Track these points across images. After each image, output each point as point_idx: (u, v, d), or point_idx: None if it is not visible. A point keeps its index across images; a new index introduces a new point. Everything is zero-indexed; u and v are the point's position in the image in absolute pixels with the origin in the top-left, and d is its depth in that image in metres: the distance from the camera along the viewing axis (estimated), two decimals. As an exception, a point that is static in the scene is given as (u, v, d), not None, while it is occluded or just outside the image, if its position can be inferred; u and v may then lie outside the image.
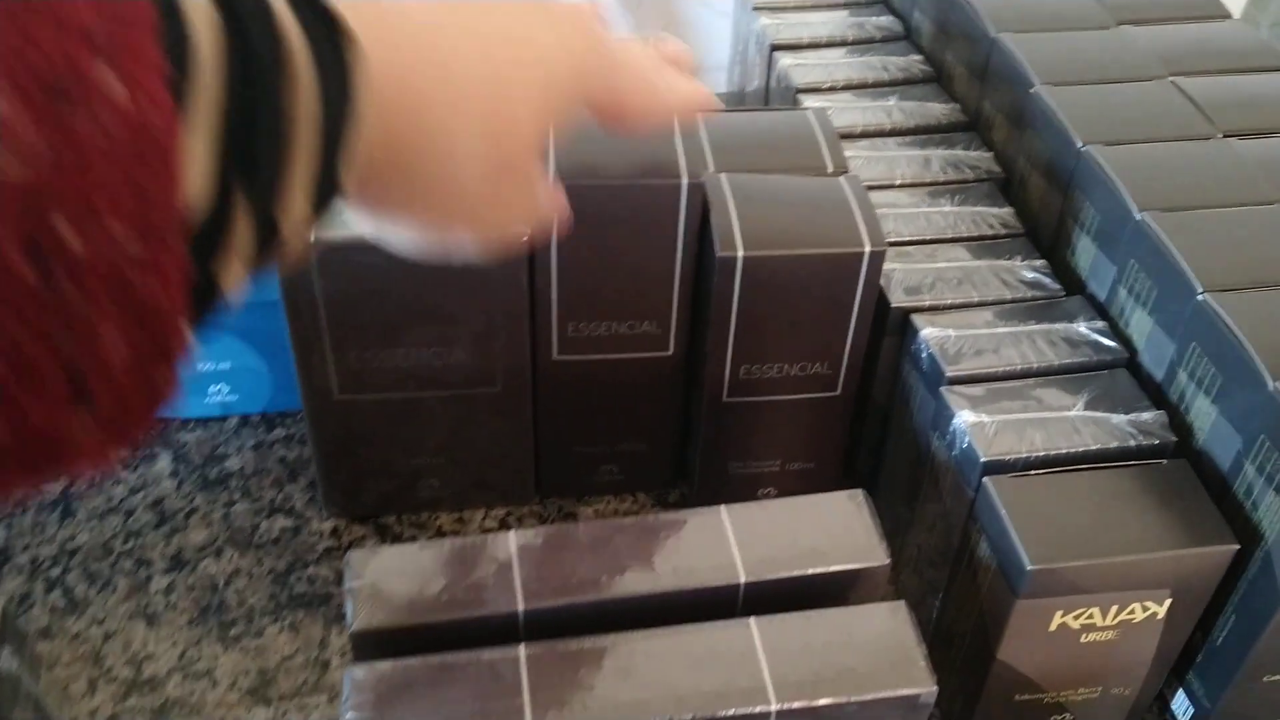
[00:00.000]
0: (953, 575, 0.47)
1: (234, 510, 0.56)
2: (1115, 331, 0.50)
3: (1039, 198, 0.55)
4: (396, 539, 0.55)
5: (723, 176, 0.49)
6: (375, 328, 0.48)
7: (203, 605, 0.52)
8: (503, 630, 0.40)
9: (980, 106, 0.60)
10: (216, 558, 0.54)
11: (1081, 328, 0.50)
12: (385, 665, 0.38)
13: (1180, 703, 0.48)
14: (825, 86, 0.61)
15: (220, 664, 0.50)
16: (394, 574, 0.40)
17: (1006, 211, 0.55)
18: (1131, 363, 0.49)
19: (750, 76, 0.70)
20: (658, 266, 0.48)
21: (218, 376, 0.59)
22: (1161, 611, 0.44)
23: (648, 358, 0.52)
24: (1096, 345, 0.49)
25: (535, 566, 0.40)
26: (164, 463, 0.58)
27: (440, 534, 0.56)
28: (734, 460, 0.54)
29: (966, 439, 0.45)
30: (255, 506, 0.56)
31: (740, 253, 0.46)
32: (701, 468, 0.54)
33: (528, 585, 0.40)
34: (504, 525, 0.56)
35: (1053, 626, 0.43)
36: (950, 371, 0.47)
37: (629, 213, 0.46)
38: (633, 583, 0.40)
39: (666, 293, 0.49)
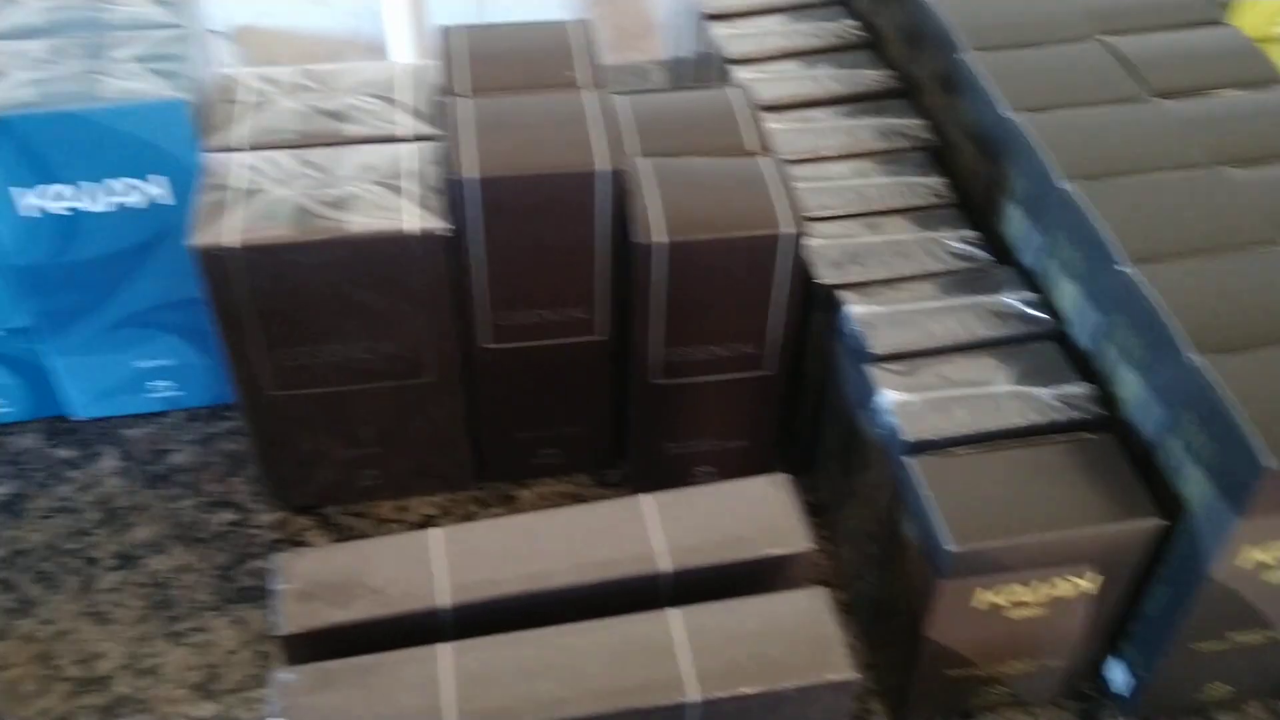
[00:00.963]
0: (884, 552, 0.48)
1: (179, 505, 0.56)
2: (1045, 303, 0.50)
3: (969, 166, 0.55)
4: (339, 529, 0.56)
5: (641, 160, 0.49)
6: (304, 325, 0.48)
7: (151, 601, 0.52)
8: (427, 628, 0.40)
9: (911, 72, 0.60)
10: (162, 554, 0.54)
11: (1011, 299, 0.50)
12: (310, 668, 0.38)
13: (1115, 672, 0.49)
14: (756, 57, 0.61)
15: (167, 660, 0.50)
16: (320, 575, 0.40)
17: (939, 181, 0.55)
18: (1061, 334, 0.49)
19: (681, 45, 0.69)
20: (581, 253, 0.48)
21: (160, 373, 0.59)
22: (1089, 586, 0.44)
23: (578, 342, 0.52)
24: (1025, 317, 0.49)
25: (460, 563, 0.41)
26: (110, 460, 0.58)
27: (381, 522, 0.56)
28: (668, 441, 0.54)
29: (890, 417, 0.45)
30: (200, 501, 0.57)
31: (658, 239, 0.46)
32: (636, 448, 0.55)
33: (453, 582, 0.40)
34: (444, 512, 0.57)
35: (979, 604, 0.43)
36: (875, 349, 0.47)
37: (550, 201, 0.46)
38: (556, 576, 0.41)
39: (591, 279, 0.49)
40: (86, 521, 0.56)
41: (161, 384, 0.59)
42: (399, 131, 0.51)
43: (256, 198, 0.47)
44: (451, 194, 0.46)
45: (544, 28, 0.53)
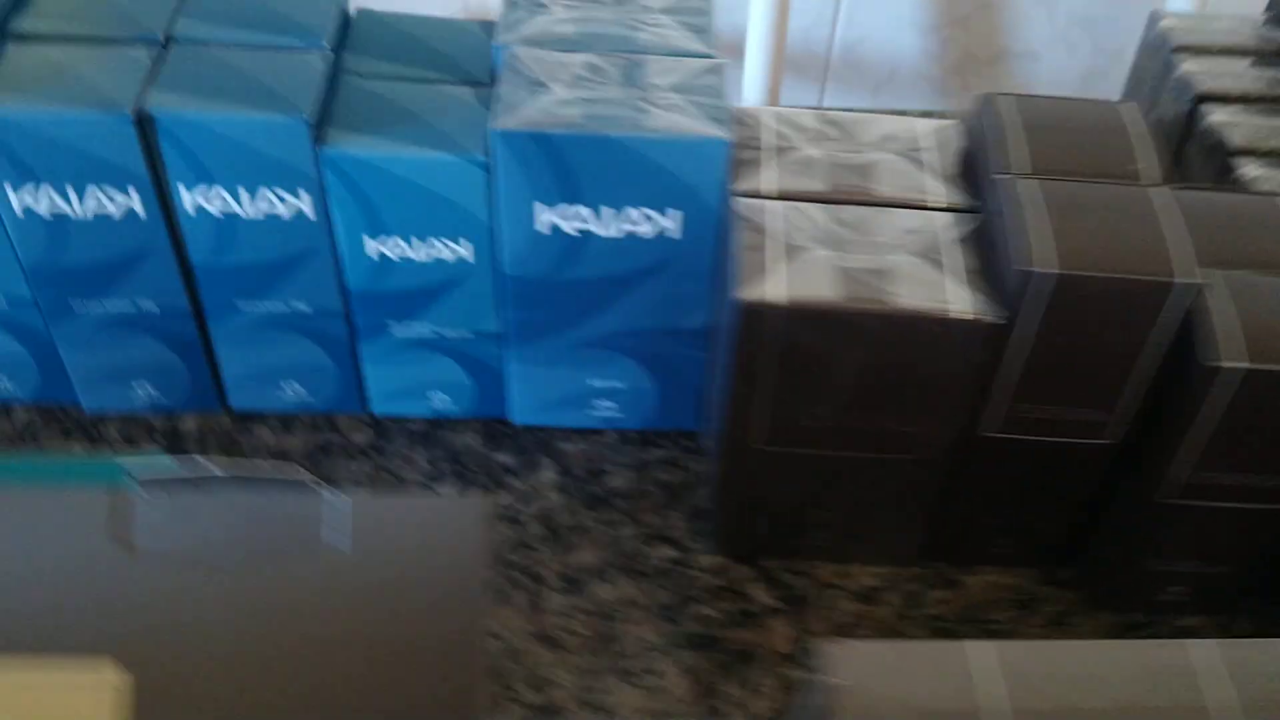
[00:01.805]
0: None
1: (620, 534, 0.56)
2: None
3: None
4: (780, 585, 0.54)
5: (1215, 273, 0.45)
6: (816, 387, 0.47)
7: (599, 633, 0.52)
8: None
9: None
10: (607, 583, 0.54)
11: None
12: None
13: None
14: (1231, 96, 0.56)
15: (620, 700, 0.50)
16: (873, 674, 0.39)
17: None
18: None
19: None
20: (1125, 358, 0.45)
21: (607, 393, 0.58)
22: None
23: (1083, 444, 0.48)
24: None
25: (1020, 684, 0.38)
26: (549, 473, 0.58)
27: (823, 586, 0.54)
28: (1153, 557, 0.51)
29: None
30: (640, 532, 0.56)
31: (1237, 363, 0.42)
32: (1113, 559, 0.51)
33: (1015, 705, 0.38)
34: (887, 584, 0.54)
35: None
36: None
37: (1118, 306, 0.43)
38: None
39: (1123, 384, 0.46)
40: (530, 535, 0.56)
41: (605, 403, 0.59)
42: (930, 199, 0.49)
43: (799, 255, 0.45)
44: (1011, 282, 0.44)
45: (1095, 106, 0.50)
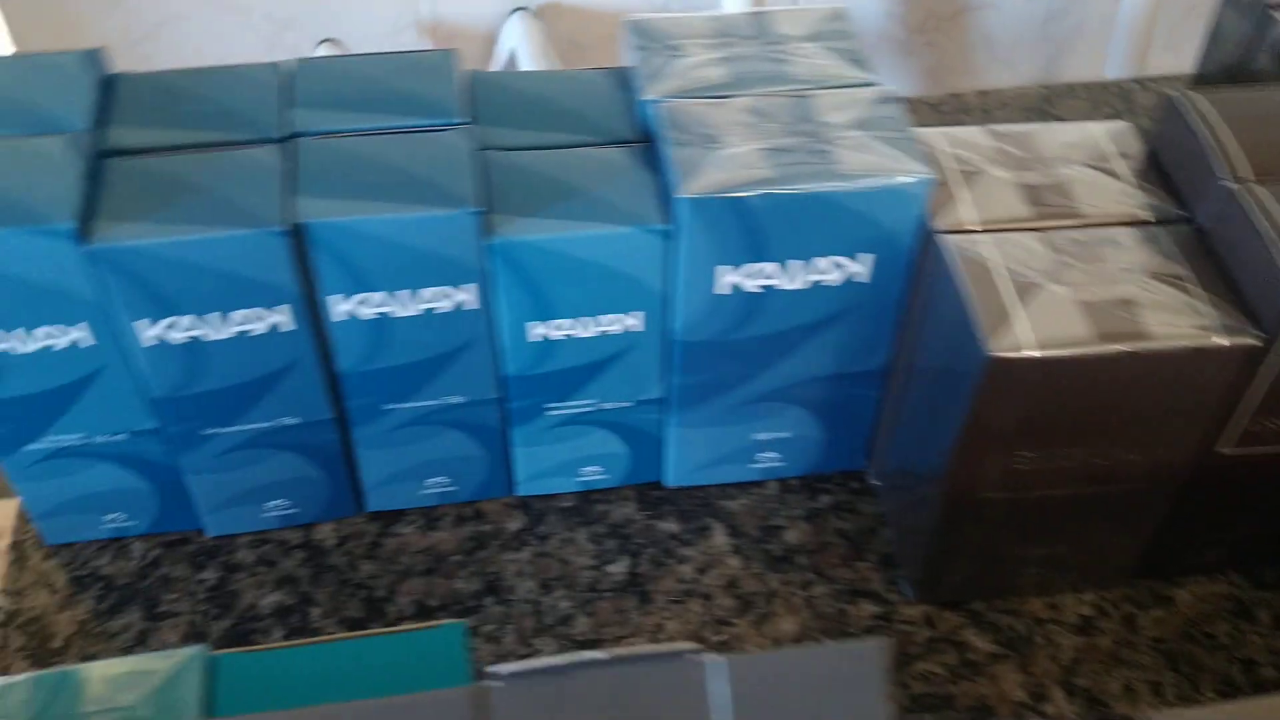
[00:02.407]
0: None
1: (813, 593, 0.53)
2: None
3: None
4: (994, 628, 0.51)
5: None
6: (1057, 431, 0.44)
7: (822, 710, 0.49)
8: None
9: None
10: (818, 653, 0.51)
11: None
12: None
13: None
14: None
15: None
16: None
17: None
18: None
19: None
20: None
21: (771, 444, 0.55)
22: None
23: (1324, 449, 0.46)
24: None
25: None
26: (720, 536, 0.55)
27: (1037, 622, 0.52)
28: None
29: None
30: (832, 589, 0.53)
31: None
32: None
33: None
34: (1100, 613, 0.52)
35: None
36: None
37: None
38: None
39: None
40: (722, 609, 0.52)
41: (768, 455, 0.55)
42: (1139, 213, 0.46)
43: (1033, 294, 0.42)
44: (1271, 299, 0.41)
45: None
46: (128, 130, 0.45)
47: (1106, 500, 0.47)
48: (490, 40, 1.34)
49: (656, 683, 0.29)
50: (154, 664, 0.31)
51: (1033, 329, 0.41)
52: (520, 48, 1.28)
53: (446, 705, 0.28)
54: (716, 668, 0.29)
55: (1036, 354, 0.41)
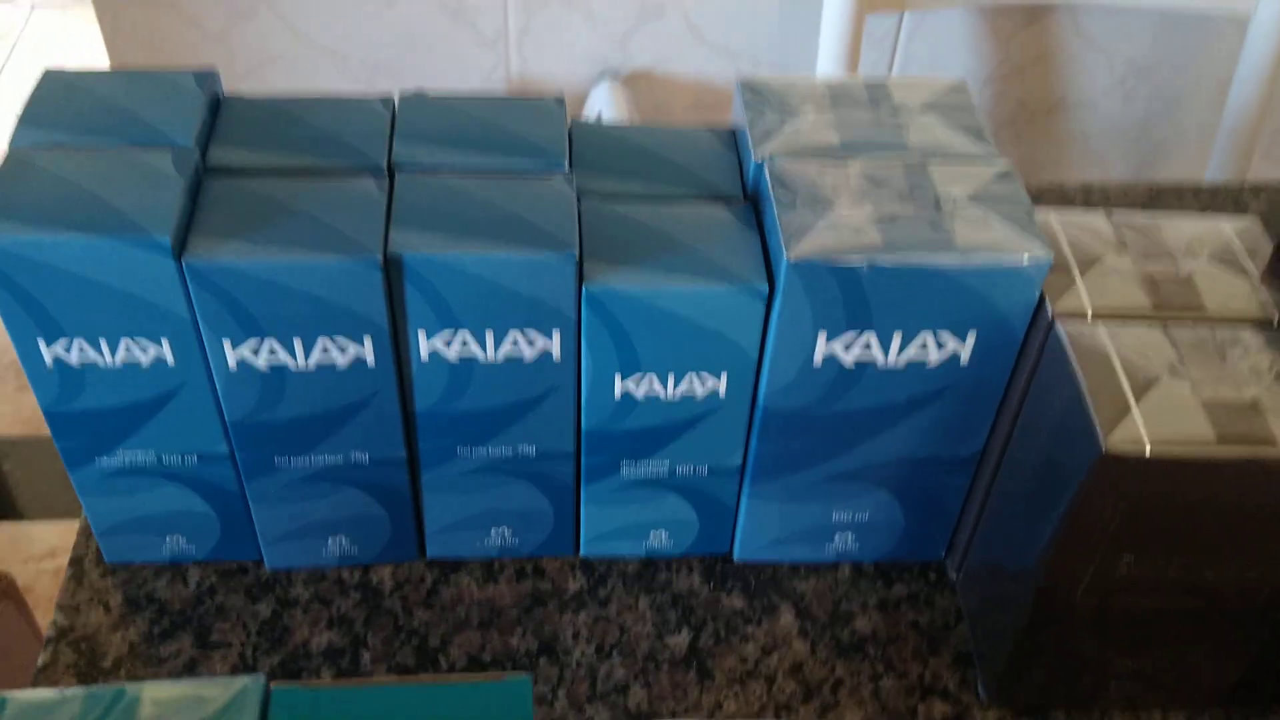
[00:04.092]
0: None
1: (883, 686, 0.50)
2: None
3: None
4: (1075, 740, 0.49)
5: None
6: (1162, 536, 0.41)
7: (887, 811, 0.46)
8: None
9: None
10: (886, 749, 0.48)
11: None
12: None
13: None
14: None
15: None
16: None
17: None
18: None
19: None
20: None
21: (848, 525, 0.53)
22: None
23: None
24: None
25: None
26: (787, 617, 0.53)
27: (1122, 737, 0.49)
28: None
29: None
30: (904, 683, 0.50)
31: None
32: None
33: None
34: (1190, 731, 0.49)
35: None
36: None
37: None
38: None
39: None
40: (785, 694, 0.50)
41: (844, 536, 0.53)
42: (1268, 313, 0.44)
43: (1151, 390, 0.40)
44: None
45: None
46: (233, 150, 0.45)
47: (1208, 617, 0.45)
48: (577, 104, 1.34)
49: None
50: (210, 690, 0.30)
51: (1151, 425, 0.39)
52: (607, 113, 1.28)
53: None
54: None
55: (1153, 452, 0.39)
